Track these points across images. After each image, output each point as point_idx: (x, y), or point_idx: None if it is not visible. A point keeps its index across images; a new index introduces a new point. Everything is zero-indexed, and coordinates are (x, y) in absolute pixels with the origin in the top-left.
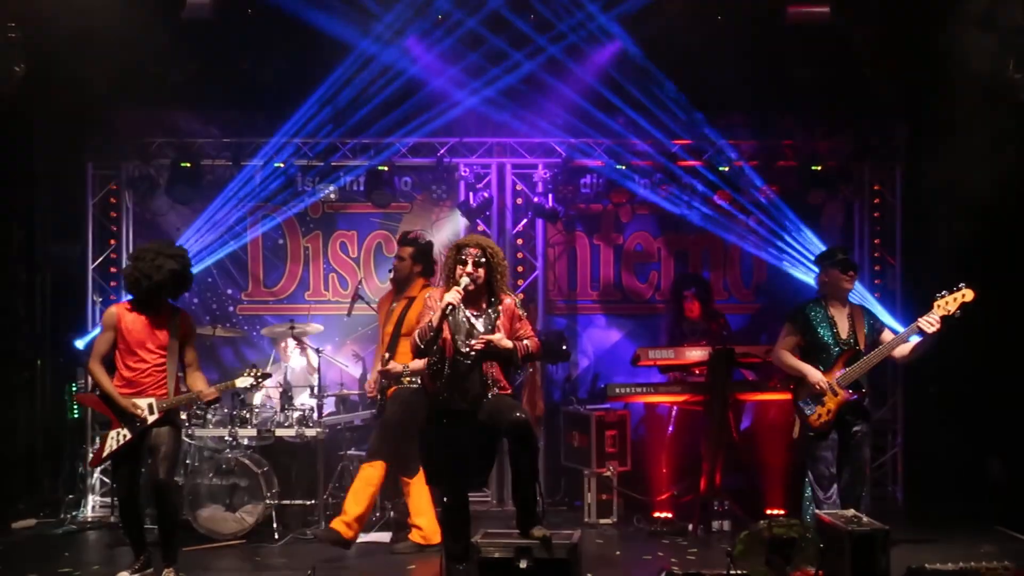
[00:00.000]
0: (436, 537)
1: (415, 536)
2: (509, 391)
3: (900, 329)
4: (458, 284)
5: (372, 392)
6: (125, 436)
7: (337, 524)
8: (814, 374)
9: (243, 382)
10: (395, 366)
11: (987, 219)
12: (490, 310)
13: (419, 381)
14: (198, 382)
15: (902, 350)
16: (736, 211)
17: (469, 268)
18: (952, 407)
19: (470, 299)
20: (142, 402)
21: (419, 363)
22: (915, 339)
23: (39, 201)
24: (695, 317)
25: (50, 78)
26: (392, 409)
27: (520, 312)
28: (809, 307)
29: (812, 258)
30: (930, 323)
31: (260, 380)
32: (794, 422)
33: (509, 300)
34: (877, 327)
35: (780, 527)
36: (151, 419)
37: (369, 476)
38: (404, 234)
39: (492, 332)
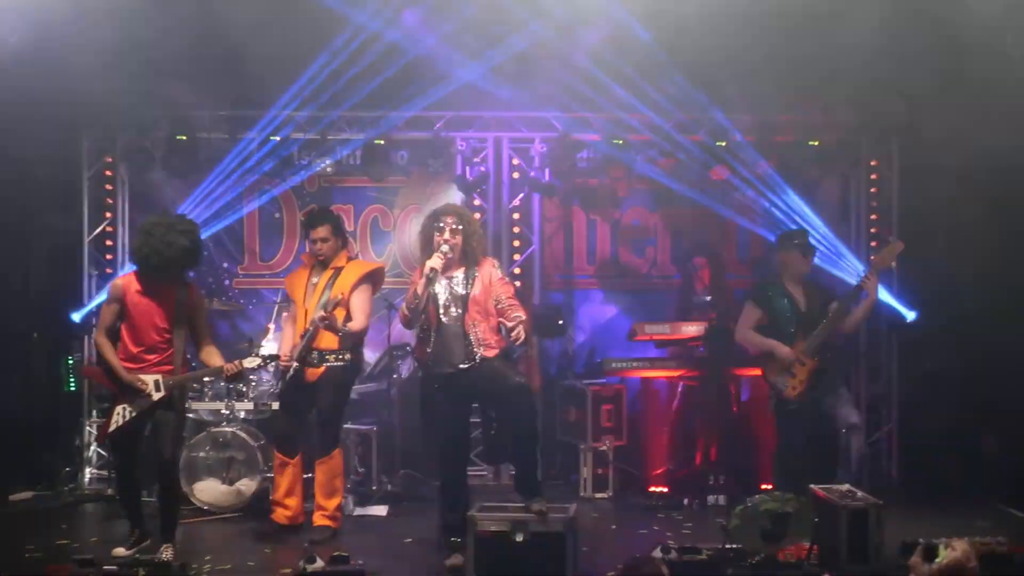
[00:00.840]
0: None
1: (280, 516)
2: (496, 351)
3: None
4: (438, 251)
5: (287, 362)
6: (131, 412)
7: (321, 519)
8: (780, 348)
9: (250, 363)
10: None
11: (984, 193)
12: (467, 274)
13: (347, 357)
14: (213, 356)
15: (850, 318)
16: (733, 186)
17: (447, 235)
18: (946, 383)
19: (448, 266)
20: (148, 378)
21: (359, 324)
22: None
23: (34, 174)
24: (704, 288)
25: (44, 50)
26: (329, 399)
27: (500, 274)
28: (768, 285)
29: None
30: (866, 281)
31: (267, 362)
32: (770, 398)
33: (487, 263)
34: (826, 297)
35: (775, 501)
36: (156, 396)
37: (334, 467)
38: (315, 212)
39: (468, 294)
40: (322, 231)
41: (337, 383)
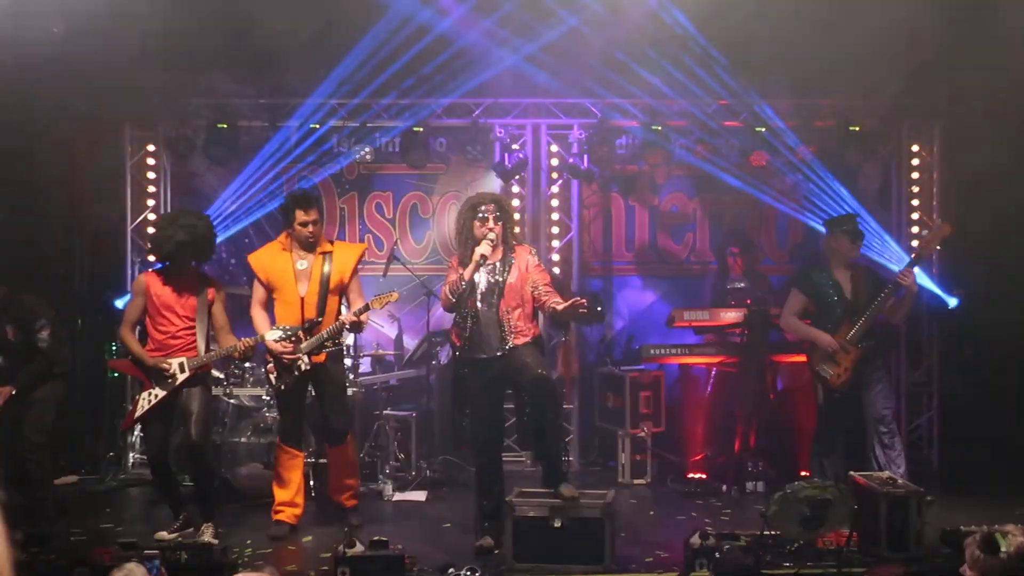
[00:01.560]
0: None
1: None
2: (529, 337)
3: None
4: (475, 241)
5: (295, 355)
6: (156, 396)
7: (351, 500)
8: (824, 337)
9: (272, 335)
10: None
11: None
12: (504, 261)
13: (341, 340)
14: (228, 343)
15: (892, 309)
16: (773, 172)
17: (491, 224)
18: (988, 369)
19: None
20: (172, 361)
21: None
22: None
23: (77, 163)
24: (737, 275)
25: (86, 40)
26: (337, 384)
27: (536, 261)
28: (814, 271)
29: None
30: (904, 276)
31: (289, 335)
32: (816, 387)
33: (523, 251)
34: (879, 284)
35: (814, 488)
36: (181, 377)
37: (351, 449)
38: (305, 194)
39: (504, 281)
40: (315, 213)
41: (342, 370)
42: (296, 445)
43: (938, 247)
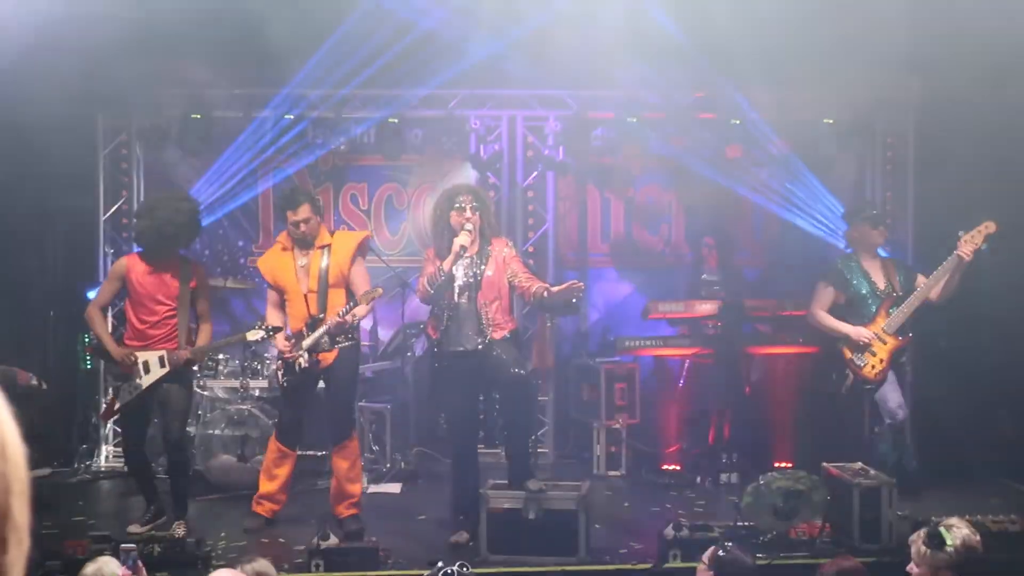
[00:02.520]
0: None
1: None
2: (507, 330)
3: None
4: (453, 232)
5: (293, 354)
6: (137, 388)
7: (348, 509)
8: (857, 330)
9: (254, 335)
10: (349, 313)
11: (1000, 174)
12: (480, 253)
13: (355, 336)
14: (204, 335)
15: (936, 289)
16: (748, 164)
17: (468, 214)
18: (961, 361)
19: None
20: (152, 355)
21: (363, 310)
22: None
23: (50, 153)
24: (711, 267)
25: (59, 28)
26: (346, 382)
27: (513, 253)
28: (842, 262)
29: (823, 212)
30: (966, 252)
31: (271, 333)
32: (845, 377)
33: (500, 243)
34: (911, 274)
35: (788, 479)
36: (159, 373)
37: (354, 450)
38: (291, 192)
39: (482, 273)
40: (303, 211)
41: (352, 366)
42: (291, 444)
43: (985, 244)
